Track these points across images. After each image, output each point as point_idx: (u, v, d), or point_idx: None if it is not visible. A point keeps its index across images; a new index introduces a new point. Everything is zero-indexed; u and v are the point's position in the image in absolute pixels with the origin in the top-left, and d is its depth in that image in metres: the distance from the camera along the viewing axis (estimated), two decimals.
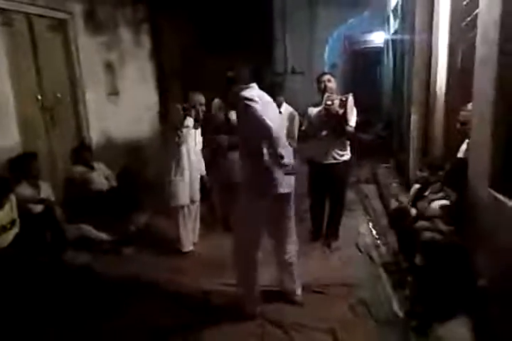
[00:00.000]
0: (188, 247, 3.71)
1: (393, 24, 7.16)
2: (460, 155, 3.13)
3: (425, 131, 4.46)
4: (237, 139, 2.83)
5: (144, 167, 5.31)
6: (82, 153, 4.22)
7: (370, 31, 10.54)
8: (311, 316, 2.67)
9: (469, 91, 2.73)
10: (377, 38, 10.41)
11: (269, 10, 8.60)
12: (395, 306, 2.74)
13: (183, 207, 3.63)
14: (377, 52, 10.65)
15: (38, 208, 3.45)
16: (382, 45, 9.80)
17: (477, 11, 2.61)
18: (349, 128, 3.46)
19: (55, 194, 3.78)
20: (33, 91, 4.01)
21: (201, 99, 3.62)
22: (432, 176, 3.18)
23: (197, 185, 3.72)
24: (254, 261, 2.68)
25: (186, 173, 3.57)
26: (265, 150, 2.50)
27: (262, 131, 2.45)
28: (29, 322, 2.62)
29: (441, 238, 2.73)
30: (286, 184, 2.61)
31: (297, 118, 4.01)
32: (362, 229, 4.16)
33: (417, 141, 4.54)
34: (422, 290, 2.70)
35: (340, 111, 3.34)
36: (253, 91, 2.56)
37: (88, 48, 4.71)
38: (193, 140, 3.68)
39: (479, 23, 2.53)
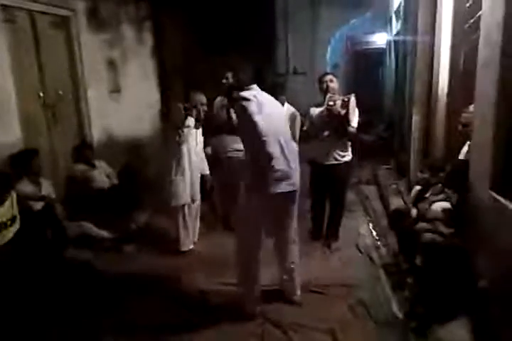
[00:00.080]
0: (188, 246, 3.71)
1: (396, 25, 7.15)
2: (461, 156, 3.13)
3: (427, 132, 4.46)
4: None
5: (144, 165, 5.30)
6: (84, 151, 4.22)
7: (373, 32, 10.51)
8: (311, 316, 2.67)
9: (471, 93, 2.74)
10: (380, 39, 10.38)
11: (272, 10, 8.61)
12: (395, 307, 2.74)
13: (183, 206, 3.63)
14: (379, 53, 10.62)
15: (39, 205, 3.45)
16: (384, 46, 9.77)
17: (480, 12, 2.62)
18: (351, 129, 3.46)
19: (56, 191, 3.78)
20: (35, 88, 4.01)
21: (202, 98, 3.62)
22: (433, 178, 3.17)
23: (198, 185, 3.72)
24: (256, 260, 2.69)
25: (187, 173, 3.57)
26: (261, 149, 2.48)
27: (250, 128, 2.46)
28: (30, 320, 2.62)
29: (441, 240, 2.73)
30: (289, 182, 2.59)
31: (299, 118, 4.01)
32: (362, 230, 4.16)
33: (418, 142, 4.54)
34: (422, 292, 2.69)
35: (342, 112, 3.34)
36: (253, 92, 2.57)
37: (90, 45, 4.71)
38: (194, 139, 3.68)
39: (482, 24, 2.53)
